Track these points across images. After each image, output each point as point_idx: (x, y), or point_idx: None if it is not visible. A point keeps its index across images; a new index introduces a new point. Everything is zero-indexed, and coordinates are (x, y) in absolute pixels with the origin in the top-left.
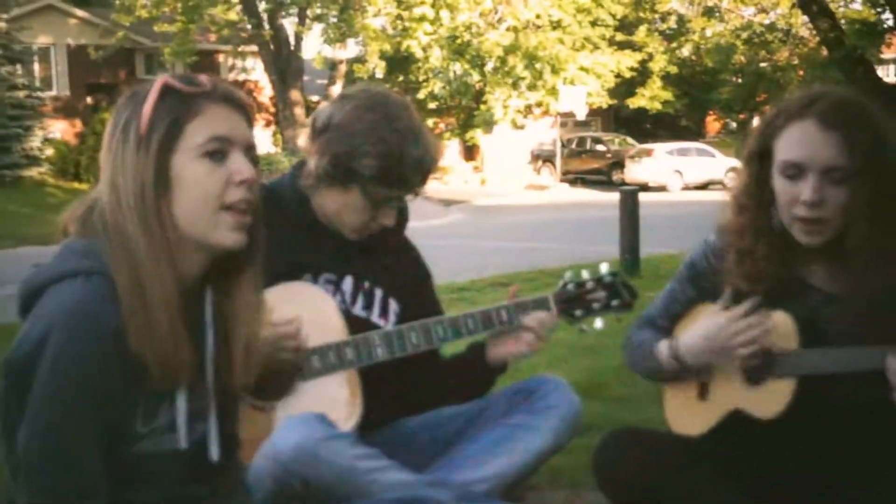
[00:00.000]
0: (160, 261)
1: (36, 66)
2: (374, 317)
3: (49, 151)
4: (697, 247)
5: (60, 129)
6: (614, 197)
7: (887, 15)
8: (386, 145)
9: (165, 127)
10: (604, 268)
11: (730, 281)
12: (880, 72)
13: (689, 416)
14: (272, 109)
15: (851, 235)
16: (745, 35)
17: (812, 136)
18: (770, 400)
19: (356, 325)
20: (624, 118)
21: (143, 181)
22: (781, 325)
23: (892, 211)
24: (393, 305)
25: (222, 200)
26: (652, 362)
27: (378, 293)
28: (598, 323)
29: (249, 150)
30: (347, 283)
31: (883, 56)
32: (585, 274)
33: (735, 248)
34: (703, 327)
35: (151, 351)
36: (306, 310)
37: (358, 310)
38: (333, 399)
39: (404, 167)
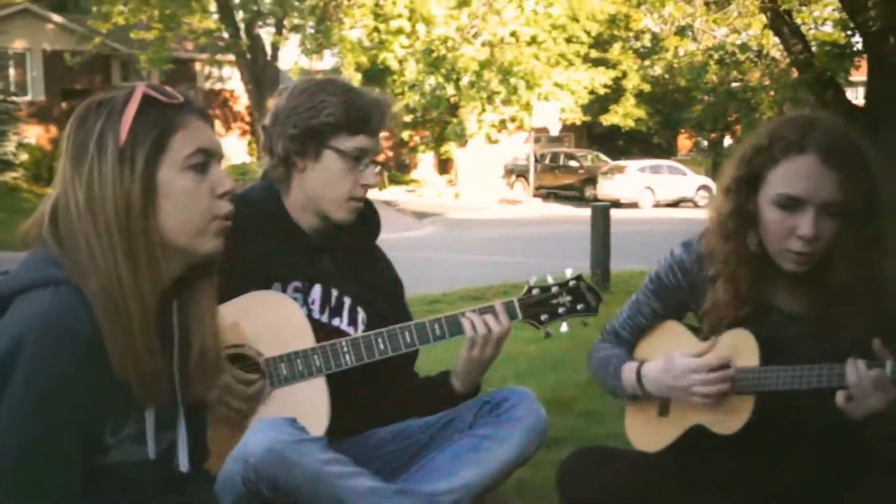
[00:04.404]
0: (139, 272)
1: (11, 71)
2: (343, 325)
3: (23, 156)
4: (663, 260)
5: (35, 134)
6: (586, 213)
7: (857, 38)
8: (341, 91)
9: (152, 139)
10: (569, 273)
11: (717, 309)
12: (849, 94)
13: (649, 432)
14: (248, 119)
15: (834, 269)
16: (717, 55)
17: (814, 171)
18: (730, 416)
19: (324, 332)
20: (597, 135)
21: (128, 194)
22: (743, 342)
23: (875, 244)
24: (361, 314)
25: (212, 212)
26: (615, 382)
27: (346, 301)
28: (564, 327)
29: (221, 161)
30: (316, 291)
31: (852, 79)
32: (550, 279)
33: (722, 275)
34: (669, 364)
35: (130, 364)
36: (274, 318)
37: (326, 318)
38: (301, 406)
39: (364, 106)
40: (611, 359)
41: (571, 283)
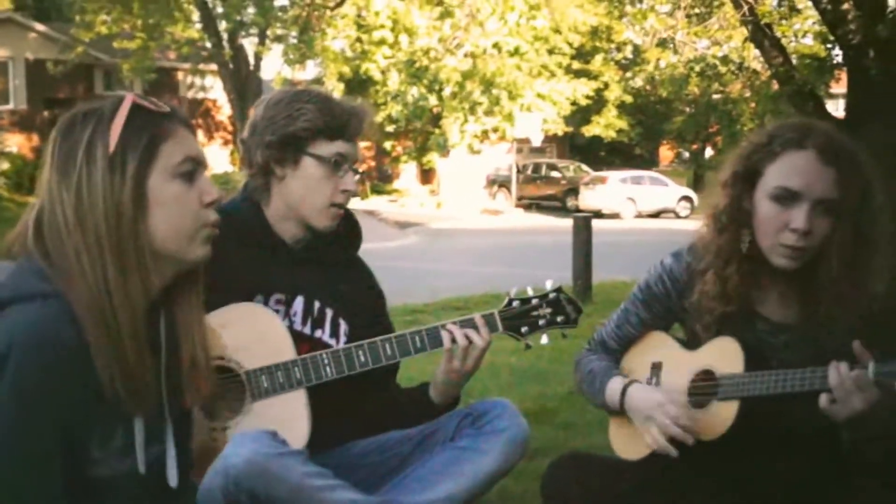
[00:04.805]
0: (129, 280)
1: None
2: (325, 336)
3: (5, 165)
4: (653, 269)
5: (17, 143)
6: (568, 223)
7: (837, 51)
8: (317, 99)
9: (142, 147)
10: (548, 284)
11: (703, 302)
12: (829, 106)
13: (632, 440)
14: (230, 129)
15: (826, 267)
16: (698, 67)
17: (812, 166)
18: (713, 423)
19: (306, 344)
20: (579, 145)
21: (119, 202)
22: (729, 349)
23: (866, 247)
24: (343, 326)
25: (201, 219)
26: (600, 395)
27: (329, 313)
28: (544, 339)
29: (206, 171)
30: (298, 303)
31: (832, 91)
32: (530, 291)
33: (713, 268)
34: (654, 400)
35: (119, 374)
36: (255, 330)
37: (308, 329)
38: (282, 419)
39: (341, 113)
40: (597, 374)
41: (552, 296)
